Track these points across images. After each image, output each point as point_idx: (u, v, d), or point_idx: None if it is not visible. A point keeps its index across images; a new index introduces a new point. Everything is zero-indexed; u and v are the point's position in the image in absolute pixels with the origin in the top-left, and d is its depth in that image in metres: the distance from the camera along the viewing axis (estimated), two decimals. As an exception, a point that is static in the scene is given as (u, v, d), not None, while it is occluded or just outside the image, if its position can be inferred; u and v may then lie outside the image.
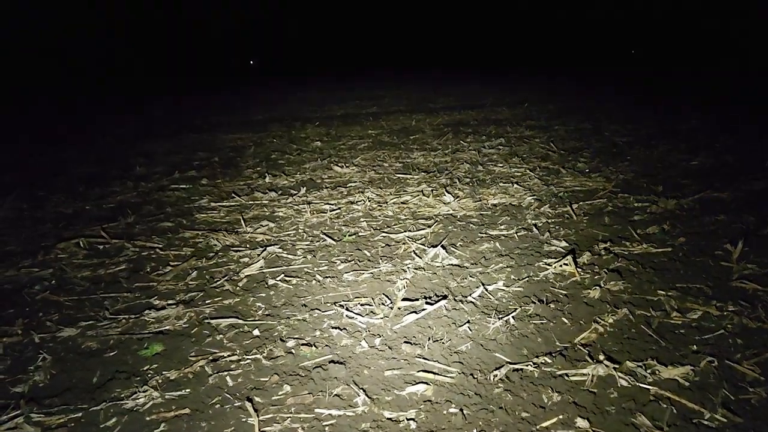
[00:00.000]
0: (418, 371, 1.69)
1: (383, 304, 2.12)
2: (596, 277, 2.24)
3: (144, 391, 1.63)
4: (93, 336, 1.97)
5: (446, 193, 3.44)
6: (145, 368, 1.77)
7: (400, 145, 5.20)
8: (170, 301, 2.20)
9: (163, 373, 1.73)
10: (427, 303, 2.09)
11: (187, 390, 1.65)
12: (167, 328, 2.01)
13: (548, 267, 2.35)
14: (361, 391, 1.60)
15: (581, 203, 3.16)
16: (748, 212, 2.83)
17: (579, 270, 2.30)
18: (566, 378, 1.63)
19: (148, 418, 1.53)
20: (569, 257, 2.38)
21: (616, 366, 1.67)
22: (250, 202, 3.50)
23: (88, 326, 2.04)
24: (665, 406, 1.50)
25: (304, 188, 3.74)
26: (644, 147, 4.51)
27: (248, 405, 1.55)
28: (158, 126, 6.74)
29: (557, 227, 2.81)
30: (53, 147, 5.82)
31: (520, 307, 2.05)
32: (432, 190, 3.54)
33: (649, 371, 1.64)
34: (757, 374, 1.60)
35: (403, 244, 2.70)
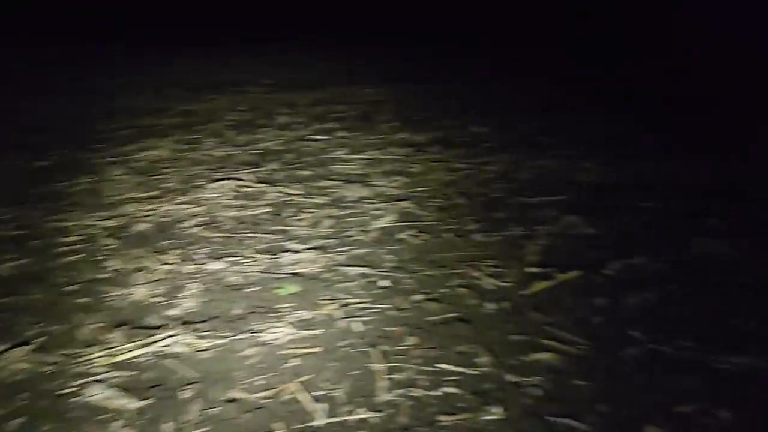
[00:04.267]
0: (546, 339, 1.66)
1: (513, 268, 2.08)
2: (759, 260, 2.04)
3: (280, 327, 1.74)
4: (237, 271, 2.12)
5: (587, 160, 3.27)
6: (282, 306, 1.88)
7: (538, 107, 5.00)
8: (306, 246, 2.31)
9: (297, 312, 1.84)
10: (558, 271, 2.03)
11: (320, 330, 1.74)
12: (302, 270, 2.12)
13: (701, 245, 2.18)
14: (486, 351, 1.60)
15: (741, 179, 2.87)
16: None
17: (737, 252, 2.11)
18: (710, 366, 1.52)
19: (283, 352, 1.63)
20: (727, 238, 2.19)
21: (769, 359, 1.52)
22: (384, 156, 3.55)
23: (233, 262, 2.20)
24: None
25: (438, 145, 3.72)
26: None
27: (375, 351, 1.61)
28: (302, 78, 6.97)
29: (715, 204, 2.59)
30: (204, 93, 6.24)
31: (665, 285, 1.93)
32: (572, 155, 3.38)
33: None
34: None
35: (537, 208, 2.62)
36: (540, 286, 1.95)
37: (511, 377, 1.50)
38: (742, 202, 2.62)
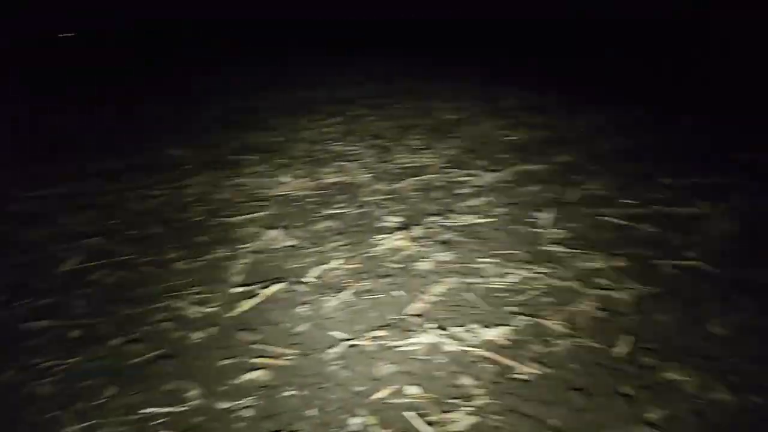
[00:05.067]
0: (255, 357, 1.68)
1: (218, 291, 2.06)
2: (426, 250, 2.36)
3: (-61, 412, 1.45)
4: None
5: (283, 173, 3.40)
6: (-59, 386, 1.56)
7: (236, 125, 5.04)
8: (-29, 307, 1.96)
9: (-36, 388, 1.55)
10: (263, 287, 2.07)
11: (-6, 405, 1.49)
12: (-32, 337, 1.79)
13: (382, 242, 2.43)
14: (194, 384, 1.55)
15: (413, 179, 3.29)
16: (557, 182, 3.13)
17: (410, 244, 2.41)
18: (398, 349, 1.71)
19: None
20: (401, 232, 2.49)
21: (444, 332, 1.78)
22: (70, 191, 3.20)
23: None
24: (485, 365, 1.63)
25: (133, 172, 3.50)
26: (470, 124, 4.79)
27: (67, 414, 1.44)
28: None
29: (391, 203, 2.91)
30: None
31: (356, 283, 2.11)
32: (269, 171, 3.48)
33: (472, 334, 1.77)
34: (562, 328, 1.79)
35: (239, 227, 2.64)
36: (246, 305, 1.97)
37: (222, 404, 1.49)
38: (407, 201, 3.00)
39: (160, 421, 1.42)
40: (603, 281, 2.06)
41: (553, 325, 1.81)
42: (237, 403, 1.49)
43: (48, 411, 1.46)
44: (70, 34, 12.66)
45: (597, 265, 2.17)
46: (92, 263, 2.30)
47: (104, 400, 1.50)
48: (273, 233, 2.52)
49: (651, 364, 1.61)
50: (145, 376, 1.60)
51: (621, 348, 1.68)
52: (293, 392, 1.54)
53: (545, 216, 2.63)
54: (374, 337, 1.77)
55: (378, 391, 1.54)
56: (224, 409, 1.46)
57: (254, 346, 1.73)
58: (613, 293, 1.97)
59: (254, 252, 2.38)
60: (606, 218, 2.60)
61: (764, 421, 1.41)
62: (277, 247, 2.43)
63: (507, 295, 2.01)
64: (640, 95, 5.50)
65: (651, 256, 2.23)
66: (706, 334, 1.74)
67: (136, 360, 1.67)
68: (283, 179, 3.32)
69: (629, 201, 2.78)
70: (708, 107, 4.83)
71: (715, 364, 1.60)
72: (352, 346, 1.73)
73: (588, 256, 2.25)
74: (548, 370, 1.60)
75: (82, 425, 1.40)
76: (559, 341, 1.73)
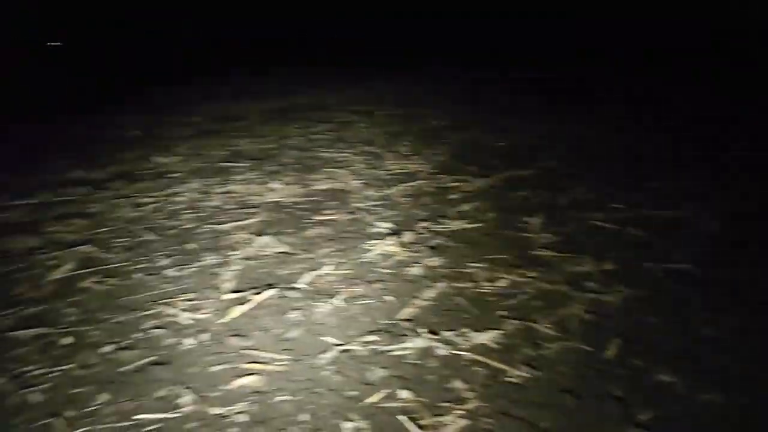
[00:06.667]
0: (247, 363, 1.68)
1: (209, 298, 2.06)
2: (417, 255, 2.37)
3: (-72, 422, 1.44)
4: None
5: (273, 180, 3.41)
6: (-70, 395, 1.55)
7: (225, 133, 5.03)
8: (-40, 316, 1.95)
9: (-46, 397, 1.54)
10: (254, 293, 2.07)
11: (-15, 413, 1.48)
12: (-43, 346, 1.78)
13: (373, 248, 2.44)
14: (187, 390, 1.56)
15: (403, 185, 3.31)
16: (545, 187, 3.16)
17: (401, 249, 2.42)
18: (390, 353, 1.72)
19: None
20: (392, 237, 2.50)
21: (435, 337, 1.79)
22: (56, 199, 3.18)
23: None
24: (477, 368, 1.64)
25: (121, 181, 3.48)
26: (459, 130, 4.82)
27: (59, 421, 1.44)
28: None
29: (381, 209, 2.92)
30: None
31: (347, 289, 2.12)
32: (259, 178, 3.49)
33: (463, 338, 1.78)
34: (553, 331, 1.81)
35: (230, 234, 2.64)
36: (237, 311, 1.97)
37: (215, 410, 1.49)
38: (394, 209, 3.02)
39: (153, 427, 1.42)
40: (592, 284, 2.08)
41: (543, 328, 1.83)
42: (230, 408, 1.49)
43: (39, 419, 1.46)
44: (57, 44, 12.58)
45: (586, 268, 2.20)
46: (82, 271, 2.29)
47: (96, 407, 1.50)
48: (264, 239, 2.53)
49: (640, 366, 1.63)
50: (136, 382, 1.60)
51: (611, 350, 1.70)
52: (285, 397, 1.54)
53: (534, 221, 2.65)
54: (366, 342, 1.78)
55: (370, 395, 1.54)
56: (217, 414, 1.47)
57: (246, 352, 1.74)
58: (601, 296, 2.00)
59: (246, 258, 2.38)
60: (594, 222, 2.63)
61: (753, 421, 1.43)
62: (268, 253, 2.43)
63: (497, 299, 2.03)
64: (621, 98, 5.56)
65: (639, 259, 2.26)
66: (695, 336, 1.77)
67: (127, 367, 1.67)
68: (273, 185, 3.32)
69: (616, 205, 2.81)
70: (690, 109, 4.90)
71: (704, 366, 1.62)
72: (344, 351, 1.74)
73: (577, 259, 2.27)
74: (538, 373, 1.62)
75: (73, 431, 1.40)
76: (549, 344, 1.75)
